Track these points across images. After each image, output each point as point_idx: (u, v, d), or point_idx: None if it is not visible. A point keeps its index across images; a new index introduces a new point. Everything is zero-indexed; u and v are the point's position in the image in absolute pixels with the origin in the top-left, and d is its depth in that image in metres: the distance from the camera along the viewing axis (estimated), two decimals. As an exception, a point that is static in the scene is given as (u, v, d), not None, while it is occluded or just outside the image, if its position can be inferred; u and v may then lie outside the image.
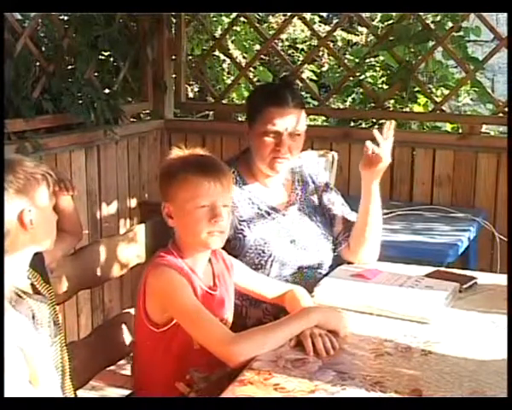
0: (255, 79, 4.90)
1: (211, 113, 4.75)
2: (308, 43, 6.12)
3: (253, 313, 2.29)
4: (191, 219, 1.88)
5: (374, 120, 4.38)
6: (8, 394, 1.39)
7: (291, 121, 2.30)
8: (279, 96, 2.32)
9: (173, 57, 4.21)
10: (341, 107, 4.95)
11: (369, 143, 2.18)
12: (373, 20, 5.01)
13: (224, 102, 4.35)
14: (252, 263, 2.25)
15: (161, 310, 1.86)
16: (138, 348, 1.99)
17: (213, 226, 1.88)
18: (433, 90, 4.40)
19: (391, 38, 3.95)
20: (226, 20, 5.07)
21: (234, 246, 2.23)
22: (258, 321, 2.26)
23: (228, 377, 1.79)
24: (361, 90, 4.54)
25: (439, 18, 4.14)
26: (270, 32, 5.05)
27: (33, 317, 1.64)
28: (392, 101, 4.28)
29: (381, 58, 4.53)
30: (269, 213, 2.36)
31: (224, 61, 5.28)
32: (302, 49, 6.18)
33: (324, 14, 6.26)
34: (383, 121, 4.19)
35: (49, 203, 1.72)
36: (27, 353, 1.52)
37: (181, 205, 1.89)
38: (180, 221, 1.92)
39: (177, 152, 1.98)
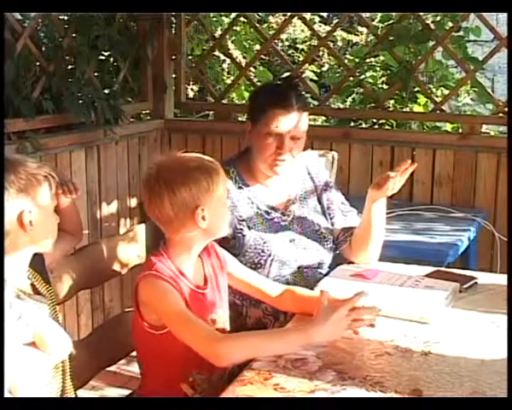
0: (255, 79, 4.90)
1: (211, 113, 4.75)
2: (308, 43, 6.12)
3: (253, 313, 2.29)
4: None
5: (374, 120, 4.38)
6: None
7: (294, 123, 2.29)
8: (284, 98, 2.30)
9: (173, 57, 4.21)
10: (341, 107, 4.94)
11: (392, 174, 2.20)
12: (373, 20, 5.00)
13: (223, 102, 4.35)
14: (251, 262, 2.25)
15: (154, 316, 1.85)
16: (139, 351, 1.98)
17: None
18: (433, 90, 4.40)
19: (391, 38, 3.95)
20: (226, 20, 5.06)
21: (233, 245, 2.23)
22: (257, 321, 2.27)
23: (228, 377, 1.78)
24: (361, 90, 4.54)
25: (439, 18, 4.14)
26: (270, 32, 5.04)
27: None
28: (392, 101, 4.28)
29: (381, 58, 4.53)
30: (268, 213, 2.36)
31: (224, 61, 5.28)
32: (302, 49, 6.17)
33: (324, 14, 6.25)
34: (383, 121, 4.32)
35: (51, 205, 1.72)
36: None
37: None
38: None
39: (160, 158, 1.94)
